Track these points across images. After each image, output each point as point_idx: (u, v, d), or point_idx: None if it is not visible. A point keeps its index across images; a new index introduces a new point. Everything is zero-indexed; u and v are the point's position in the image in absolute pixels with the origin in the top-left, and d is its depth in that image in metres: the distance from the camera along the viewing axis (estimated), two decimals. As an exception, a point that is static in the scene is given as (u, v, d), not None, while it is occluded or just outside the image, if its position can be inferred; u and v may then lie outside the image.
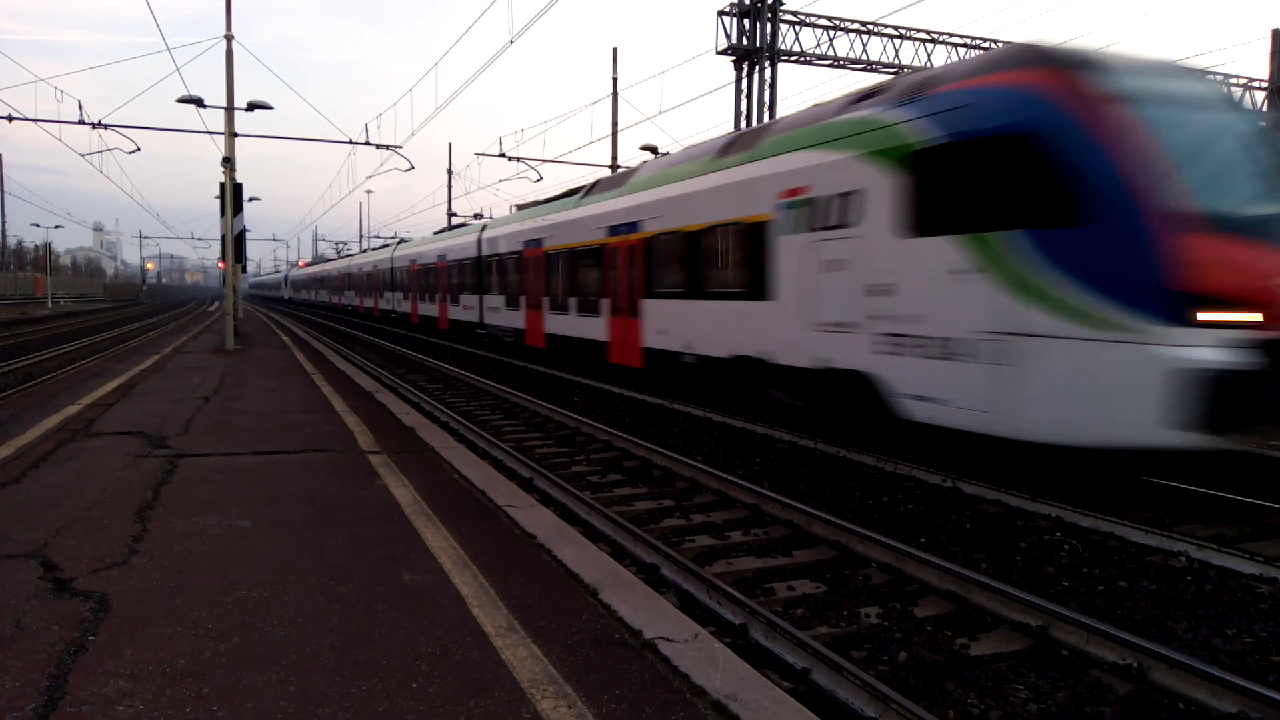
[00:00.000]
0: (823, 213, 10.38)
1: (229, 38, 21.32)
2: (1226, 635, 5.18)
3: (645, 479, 9.47)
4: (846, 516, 7.61)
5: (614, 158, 30.51)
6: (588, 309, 17.70)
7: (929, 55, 26.73)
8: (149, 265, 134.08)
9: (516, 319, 22.25)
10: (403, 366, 22.30)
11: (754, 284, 11.89)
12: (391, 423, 10.76)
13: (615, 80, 30.24)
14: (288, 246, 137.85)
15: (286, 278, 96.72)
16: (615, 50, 30.33)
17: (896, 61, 26.36)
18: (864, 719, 4.13)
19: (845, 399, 10.28)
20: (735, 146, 13.04)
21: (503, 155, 32.17)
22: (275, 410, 11.49)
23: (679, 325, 14.05)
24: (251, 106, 22.23)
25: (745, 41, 24.17)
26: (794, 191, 10.97)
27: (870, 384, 9.62)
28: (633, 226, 15.52)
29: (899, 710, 4.00)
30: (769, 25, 24.15)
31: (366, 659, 3.82)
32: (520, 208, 24.69)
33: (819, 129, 10.74)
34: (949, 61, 26.87)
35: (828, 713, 4.22)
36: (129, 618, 4.28)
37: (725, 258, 12.73)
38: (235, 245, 22.07)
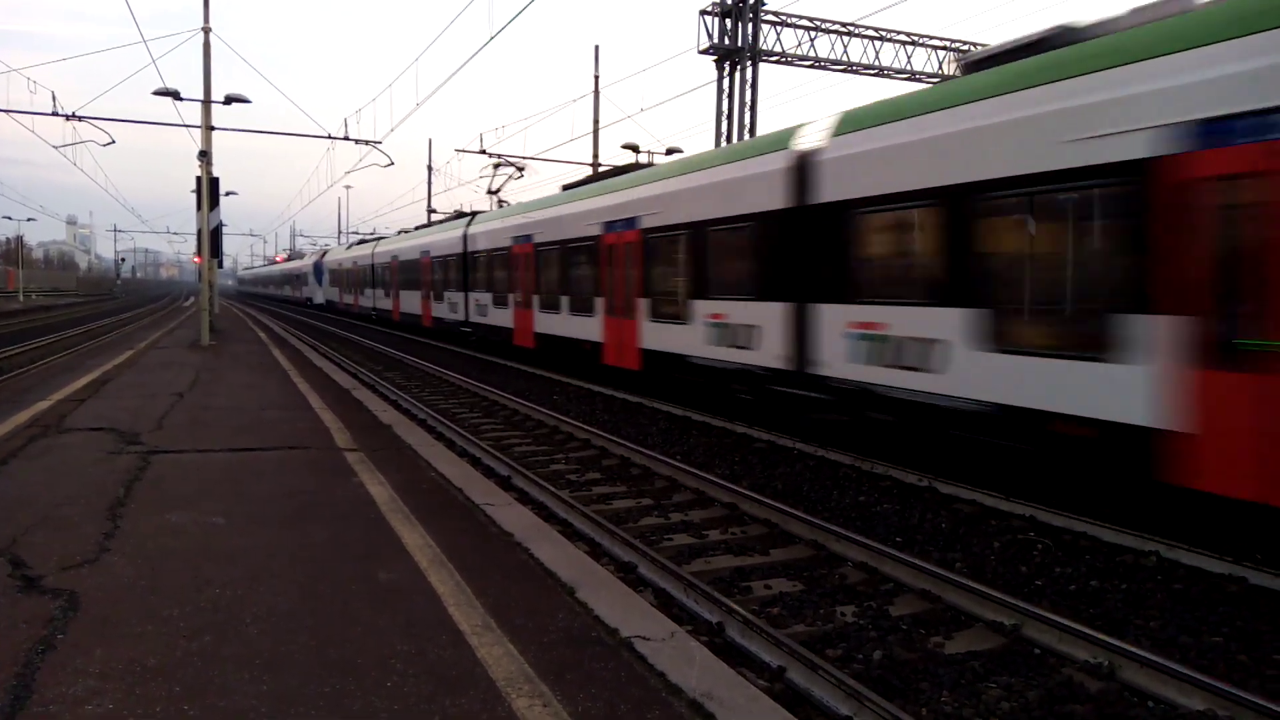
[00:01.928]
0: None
1: (206, 30, 21.10)
2: (1195, 634, 5.25)
3: (624, 477, 9.47)
4: (824, 516, 7.64)
5: (595, 155, 30.47)
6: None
7: (909, 57, 26.90)
8: (123, 259, 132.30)
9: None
10: (380, 364, 22.17)
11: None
12: (369, 420, 10.69)
13: (597, 78, 30.21)
14: (265, 241, 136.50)
15: (318, 267, 54.53)
16: (597, 48, 30.31)
17: (877, 63, 26.50)
18: (839, 717, 4.15)
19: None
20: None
21: (483, 152, 32.03)
22: (250, 407, 11.38)
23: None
24: (229, 100, 22.00)
25: (727, 41, 24.20)
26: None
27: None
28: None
29: (873, 708, 4.02)
30: (750, 25, 24.19)
31: (341, 657, 3.79)
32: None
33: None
34: (926, 64, 27.04)
35: (803, 711, 4.24)
36: (99, 616, 4.22)
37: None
38: (212, 240, 21.83)
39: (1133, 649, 4.70)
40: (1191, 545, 6.47)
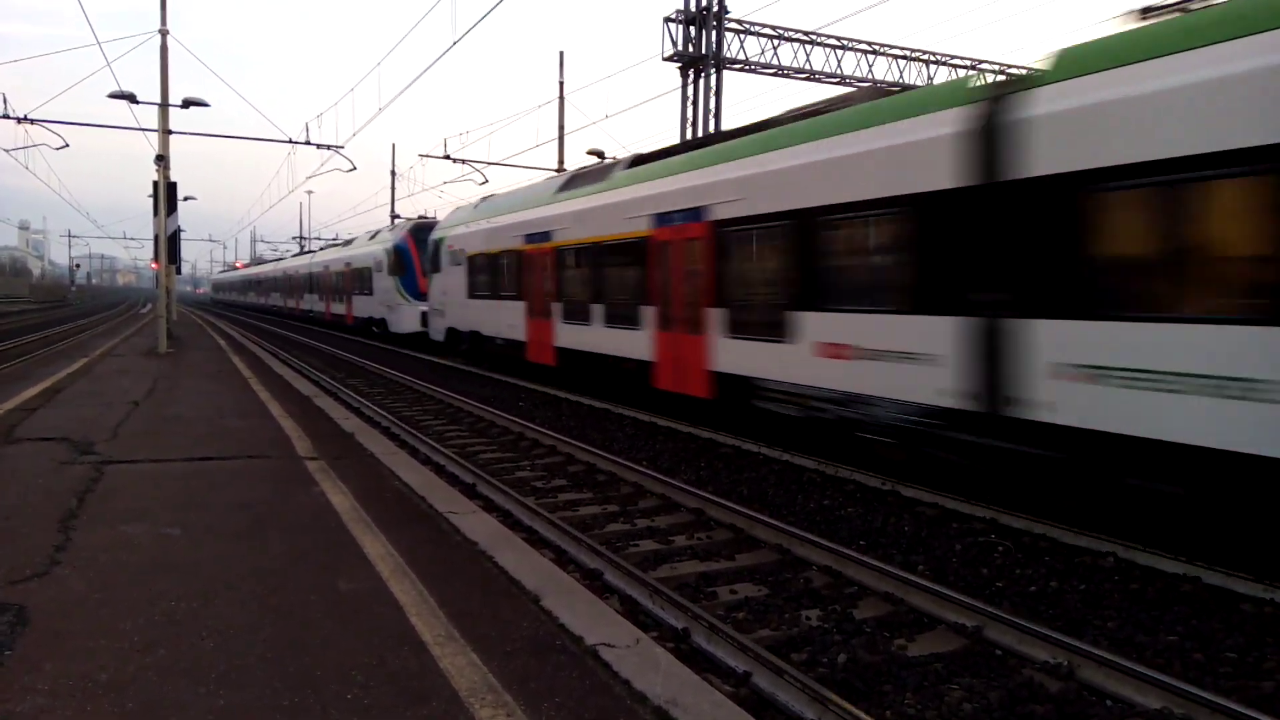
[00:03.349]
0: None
1: (164, 32, 20.77)
2: (1152, 633, 5.34)
3: (590, 484, 9.44)
4: (788, 520, 7.67)
5: (560, 161, 30.44)
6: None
7: (870, 66, 27.20)
8: (77, 265, 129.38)
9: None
10: (342, 371, 21.91)
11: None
12: (330, 428, 10.55)
13: (562, 84, 30.20)
14: (224, 247, 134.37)
15: (404, 254, 28.43)
16: (562, 54, 30.31)
17: (839, 72, 26.76)
18: (803, 721, 4.16)
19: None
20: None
21: (447, 157, 31.87)
22: (209, 415, 11.19)
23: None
24: (187, 103, 21.67)
25: (691, 49, 24.31)
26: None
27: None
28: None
29: (838, 712, 4.03)
30: (714, 33, 24.33)
31: (300, 670, 3.73)
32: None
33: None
34: (887, 73, 27.39)
35: (768, 715, 4.24)
36: (49, 630, 4.12)
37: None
38: (169, 245, 21.45)
39: (1091, 649, 4.76)
40: (1147, 546, 6.59)
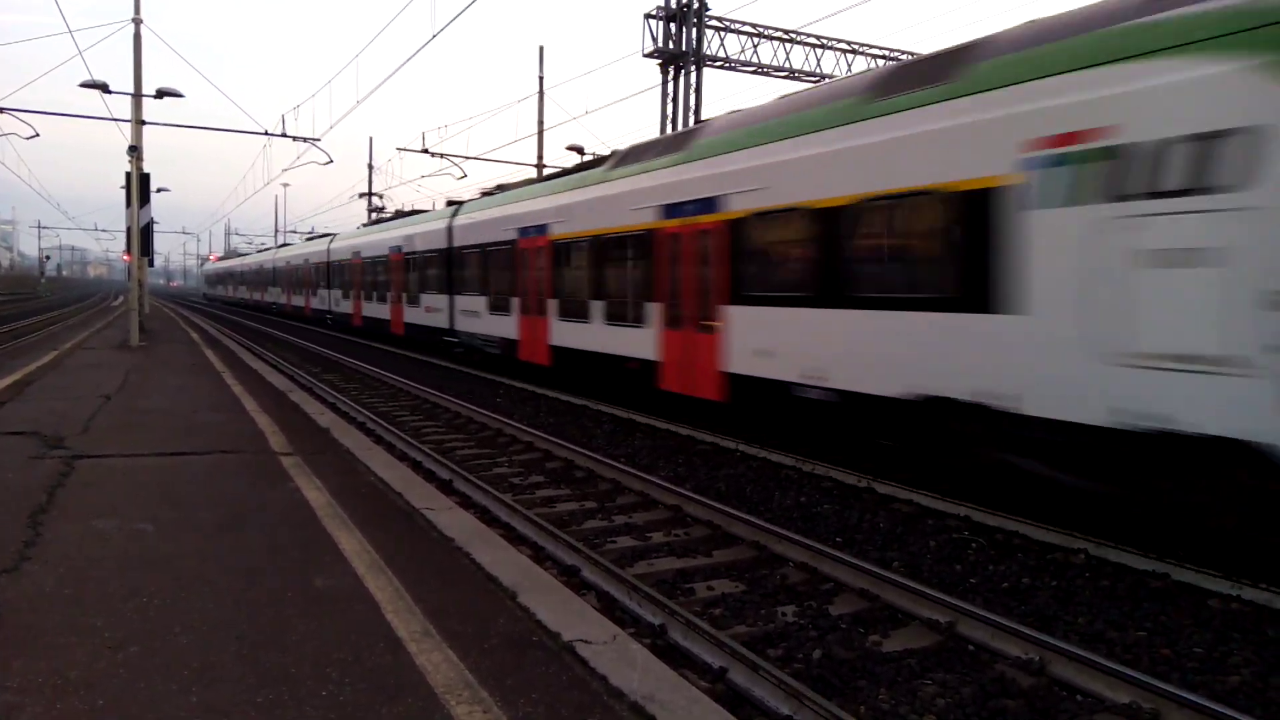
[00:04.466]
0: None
1: (137, 21, 20.48)
2: (1121, 629, 5.42)
3: (568, 480, 9.43)
4: (766, 517, 7.71)
5: (539, 157, 30.34)
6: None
7: (849, 64, 27.30)
8: (47, 257, 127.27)
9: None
10: (318, 366, 21.73)
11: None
12: (305, 423, 10.47)
13: (541, 79, 30.09)
14: (198, 240, 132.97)
15: None
16: (541, 49, 30.17)
17: (818, 70, 26.85)
18: (779, 717, 4.19)
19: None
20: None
21: (425, 151, 31.67)
22: (182, 409, 11.06)
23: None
24: (160, 94, 21.38)
25: (672, 45, 24.29)
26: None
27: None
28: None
29: (813, 707, 4.07)
30: (695, 30, 24.33)
31: (274, 666, 3.70)
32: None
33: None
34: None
35: (744, 711, 4.27)
36: (18, 626, 4.06)
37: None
38: (142, 237, 21.17)
39: (1062, 645, 4.83)
40: (1119, 543, 6.68)
